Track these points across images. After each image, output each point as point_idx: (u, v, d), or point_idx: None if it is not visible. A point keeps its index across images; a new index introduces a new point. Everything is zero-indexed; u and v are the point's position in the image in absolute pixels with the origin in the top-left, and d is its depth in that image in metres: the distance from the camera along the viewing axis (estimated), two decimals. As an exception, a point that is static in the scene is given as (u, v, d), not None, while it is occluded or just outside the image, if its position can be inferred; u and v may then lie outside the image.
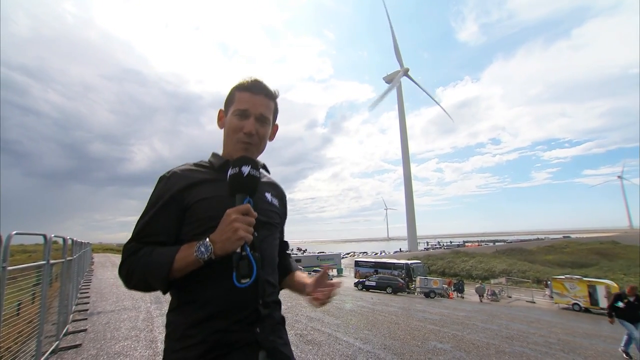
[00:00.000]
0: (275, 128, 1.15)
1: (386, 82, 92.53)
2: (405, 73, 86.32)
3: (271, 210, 1.08)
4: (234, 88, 1.05)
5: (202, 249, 0.83)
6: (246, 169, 0.89)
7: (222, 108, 1.10)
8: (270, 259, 1.03)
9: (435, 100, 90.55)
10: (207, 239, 0.84)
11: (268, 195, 1.10)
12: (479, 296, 23.41)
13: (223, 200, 0.90)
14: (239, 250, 0.83)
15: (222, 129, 1.08)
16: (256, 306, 0.92)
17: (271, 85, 1.06)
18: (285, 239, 1.26)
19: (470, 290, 26.69)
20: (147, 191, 0.99)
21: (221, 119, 1.09)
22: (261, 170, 1.14)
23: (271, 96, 1.06)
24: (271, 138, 1.14)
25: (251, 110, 1.00)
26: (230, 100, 1.06)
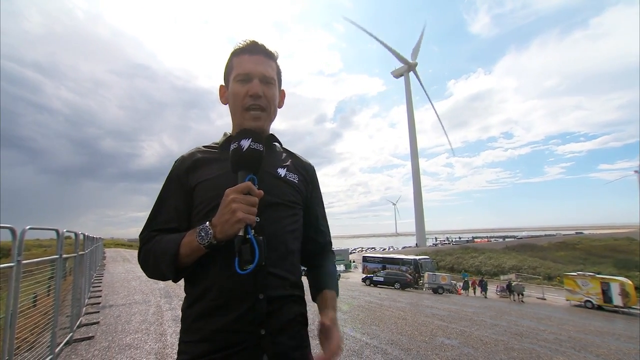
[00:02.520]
0: (282, 94, 1.05)
1: (394, 77, 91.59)
2: (413, 68, 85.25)
3: (283, 188, 0.94)
4: (230, 55, 0.97)
5: (203, 234, 0.77)
6: (245, 143, 0.80)
7: (222, 83, 1.01)
8: (279, 246, 0.88)
9: (431, 103, 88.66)
10: (208, 223, 0.78)
11: (281, 171, 0.96)
12: (518, 295, 21.12)
13: (225, 179, 0.83)
14: (241, 233, 0.76)
15: (227, 105, 0.98)
16: (254, 302, 0.81)
17: (270, 46, 0.96)
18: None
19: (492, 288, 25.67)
20: (157, 187, 0.97)
21: (223, 94, 1.00)
22: (275, 144, 1.04)
23: (271, 56, 0.97)
24: (280, 104, 1.04)
25: (253, 72, 0.91)
26: (229, 68, 0.96)
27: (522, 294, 21.34)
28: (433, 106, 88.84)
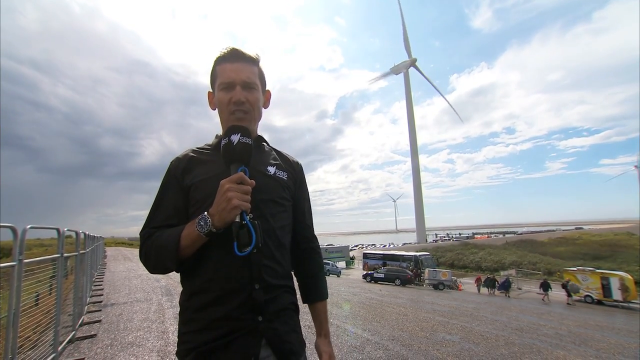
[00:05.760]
0: (267, 94, 1.11)
1: (394, 74, 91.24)
2: (413, 64, 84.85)
3: (274, 186, 1.01)
4: (213, 63, 1.02)
5: (202, 223, 0.84)
6: (235, 137, 0.87)
7: (210, 90, 1.07)
8: (271, 241, 0.95)
9: (441, 93, 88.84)
10: (206, 213, 0.85)
11: (271, 169, 1.04)
12: (568, 296, 18.88)
13: (220, 178, 0.89)
14: (238, 219, 0.83)
15: (216, 110, 1.05)
16: (251, 291, 0.88)
17: (251, 50, 1.02)
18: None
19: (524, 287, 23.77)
20: (157, 185, 1.02)
21: (211, 100, 1.06)
22: (263, 144, 1.11)
23: (252, 61, 1.01)
24: (265, 105, 1.10)
25: (235, 80, 0.97)
26: (213, 77, 1.03)
27: (571, 295, 18.84)
28: (443, 96, 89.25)
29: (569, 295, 18.94)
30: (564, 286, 19.47)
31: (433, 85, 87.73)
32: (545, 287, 19.57)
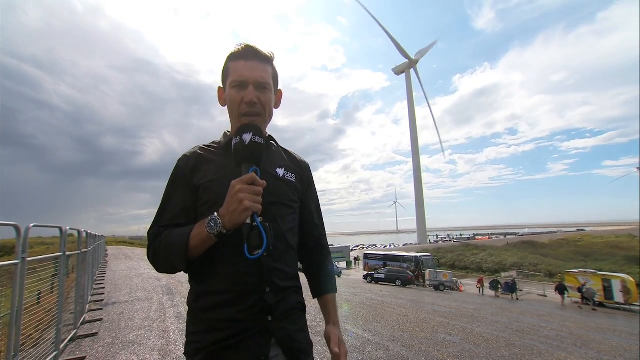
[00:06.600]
0: (279, 94, 1.09)
1: (395, 74, 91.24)
2: (414, 65, 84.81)
3: (283, 188, 1.00)
4: (226, 59, 1.00)
5: (212, 224, 0.82)
6: (247, 137, 0.86)
7: (221, 85, 1.05)
8: (280, 243, 0.94)
9: (429, 105, 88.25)
10: (216, 214, 0.83)
11: (280, 171, 1.02)
12: (582, 300, 18.14)
13: (230, 178, 0.87)
14: (248, 221, 0.81)
15: (225, 106, 1.02)
16: (261, 294, 0.88)
17: (265, 48, 0.99)
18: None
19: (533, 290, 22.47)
20: (159, 185, 1.05)
21: (221, 96, 1.04)
22: (272, 142, 1.09)
23: (266, 60, 0.99)
24: (277, 105, 1.08)
25: (248, 79, 0.94)
26: (225, 73, 1.00)
27: (593, 300, 17.85)
28: (430, 107, 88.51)
29: (584, 299, 18.37)
30: (580, 290, 19.09)
31: (424, 94, 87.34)
32: (562, 290, 18.99)
